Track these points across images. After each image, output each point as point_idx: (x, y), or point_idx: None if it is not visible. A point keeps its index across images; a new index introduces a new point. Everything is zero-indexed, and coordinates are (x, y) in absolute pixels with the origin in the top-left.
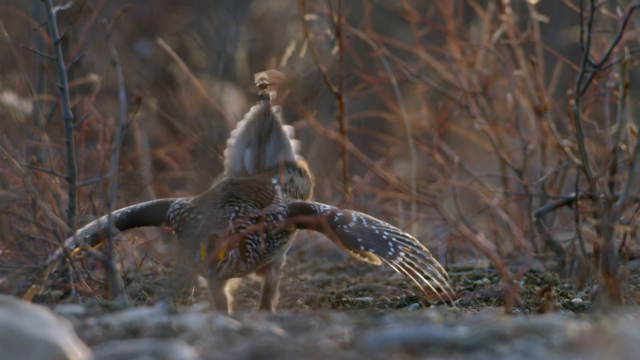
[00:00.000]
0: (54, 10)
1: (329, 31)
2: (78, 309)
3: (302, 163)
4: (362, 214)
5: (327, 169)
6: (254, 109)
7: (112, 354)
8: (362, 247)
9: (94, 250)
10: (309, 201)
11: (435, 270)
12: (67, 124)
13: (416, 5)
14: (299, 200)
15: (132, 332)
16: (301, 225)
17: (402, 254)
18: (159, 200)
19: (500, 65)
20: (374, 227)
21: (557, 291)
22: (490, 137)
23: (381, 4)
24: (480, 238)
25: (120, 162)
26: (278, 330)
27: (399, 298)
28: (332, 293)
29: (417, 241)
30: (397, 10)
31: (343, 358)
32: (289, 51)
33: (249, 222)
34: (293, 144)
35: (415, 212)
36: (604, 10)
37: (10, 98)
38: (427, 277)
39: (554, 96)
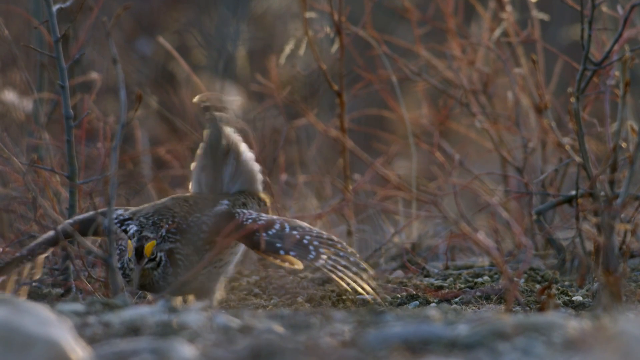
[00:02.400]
0: (55, 8)
1: (329, 29)
2: (78, 307)
3: (264, 196)
4: (286, 220)
5: (327, 166)
6: (208, 132)
7: (113, 352)
8: (281, 252)
9: (94, 248)
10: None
11: (360, 271)
12: (67, 122)
13: (416, 3)
14: (223, 209)
15: (133, 330)
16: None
17: (324, 256)
18: (97, 211)
19: (501, 63)
20: (295, 232)
21: (558, 289)
22: (491, 135)
23: (381, 2)
24: (481, 236)
25: (120, 160)
26: (278, 328)
27: (399, 296)
28: (333, 291)
29: (343, 243)
30: (398, 8)
31: (343, 356)
32: (287, 49)
33: (175, 233)
34: (257, 169)
35: (415, 210)
36: (604, 8)
37: (10, 96)
38: (353, 279)
39: (554, 94)
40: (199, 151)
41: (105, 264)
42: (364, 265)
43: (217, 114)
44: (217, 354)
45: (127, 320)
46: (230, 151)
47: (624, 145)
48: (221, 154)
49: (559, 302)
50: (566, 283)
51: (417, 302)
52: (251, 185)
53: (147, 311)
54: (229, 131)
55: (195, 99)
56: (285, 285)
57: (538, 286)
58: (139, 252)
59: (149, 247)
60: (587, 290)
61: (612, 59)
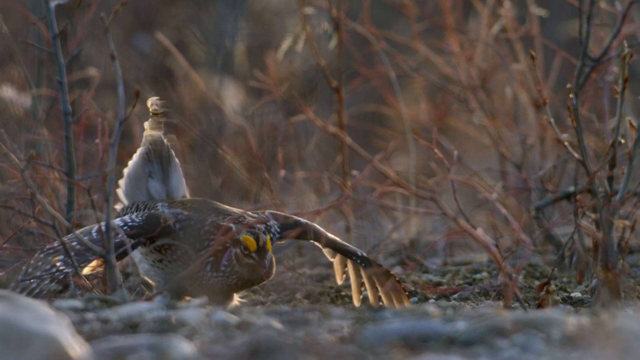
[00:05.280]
0: (53, 4)
1: (327, 25)
2: (77, 303)
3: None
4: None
5: (326, 163)
6: (149, 138)
7: (111, 348)
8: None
9: (92, 245)
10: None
11: None
12: (65, 118)
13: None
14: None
15: (131, 326)
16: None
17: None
18: (150, 213)
19: (499, 59)
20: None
21: (556, 285)
22: (489, 131)
23: None
24: (480, 232)
25: (118, 156)
26: (277, 324)
27: None
28: (331, 287)
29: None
30: (396, 4)
31: (342, 352)
32: (286, 45)
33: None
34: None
35: (414, 207)
36: (602, 4)
37: (9, 92)
38: None
39: (553, 90)
40: (136, 159)
41: (104, 261)
42: None
43: (160, 119)
44: (216, 350)
45: (125, 316)
46: (171, 157)
47: (622, 141)
48: (167, 160)
49: (558, 298)
50: (565, 279)
51: (415, 299)
52: (185, 192)
53: (145, 308)
54: (168, 136)
55: (150, 102)
56: (283, 281)
57: (537, 282)
58: (261, 247)
59: (268, 241)
60: (585, 287)
61: (610, 54)
